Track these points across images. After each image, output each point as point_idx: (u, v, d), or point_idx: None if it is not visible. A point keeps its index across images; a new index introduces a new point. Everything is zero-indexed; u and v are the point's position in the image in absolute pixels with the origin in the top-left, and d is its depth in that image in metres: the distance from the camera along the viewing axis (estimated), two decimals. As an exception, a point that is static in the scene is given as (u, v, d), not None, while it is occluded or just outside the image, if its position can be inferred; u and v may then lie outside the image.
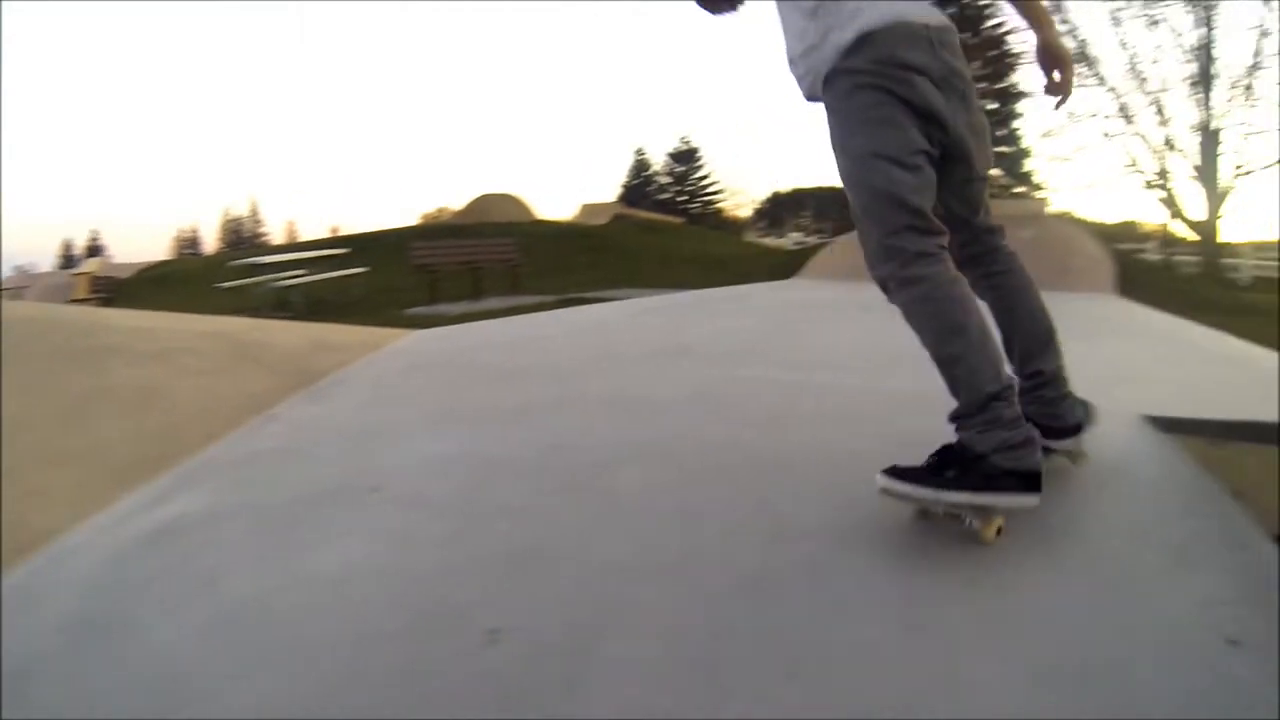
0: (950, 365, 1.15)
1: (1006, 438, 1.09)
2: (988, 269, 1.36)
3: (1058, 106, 1.38)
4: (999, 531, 1.15)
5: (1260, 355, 3.34)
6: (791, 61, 1.30)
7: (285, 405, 2.34)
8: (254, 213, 74.03)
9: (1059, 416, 1.34)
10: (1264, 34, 14.04)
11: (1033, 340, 1.35)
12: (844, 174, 1.23)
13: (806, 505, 1.41)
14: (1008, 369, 1.20)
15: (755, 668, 0.93)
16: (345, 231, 28.64)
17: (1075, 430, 1.37)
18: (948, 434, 1.21)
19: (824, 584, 1.12)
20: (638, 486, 1.55)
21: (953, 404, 1.18)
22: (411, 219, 48.30)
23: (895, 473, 1.12)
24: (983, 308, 1.24)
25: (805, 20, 1.22)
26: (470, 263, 8.52)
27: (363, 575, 1.23)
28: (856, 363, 2.92)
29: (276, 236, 68.67)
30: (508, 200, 20.96)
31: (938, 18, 1.22)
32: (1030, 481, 1.10)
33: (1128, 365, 2.92)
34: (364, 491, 1.60)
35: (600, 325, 4.39)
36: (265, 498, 1.61)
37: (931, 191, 1.20)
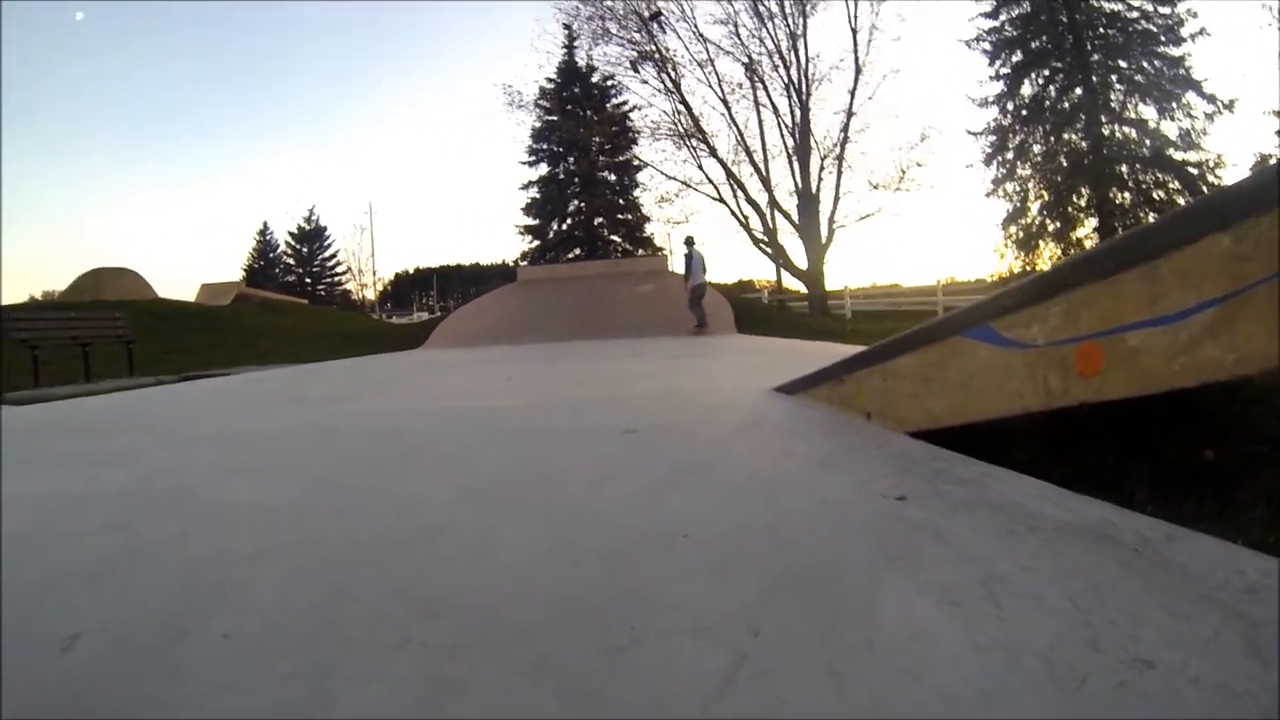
0: (700, 311, 10.38)
1: (705, 319, 10.29)
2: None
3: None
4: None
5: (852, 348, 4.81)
6: (689, 279, 10.61)
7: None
8: None
9: (707, 325, 10.37)
10: (851, 114, 17.79)
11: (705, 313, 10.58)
12: (699, 295, 10.54)
13: (427, 484, 1.83)
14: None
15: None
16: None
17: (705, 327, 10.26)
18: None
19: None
20: (247, 495, 1.77)
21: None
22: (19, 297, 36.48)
23: (693, 331, 10.10)
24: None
25: (693, 273, 10.54)
26: (77, 339, 7.01)
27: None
28: (454, 396, 3.83)
29: None
30: (124, 274, 18.71)
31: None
32: (705, 329, 10.19)
33: (751, 368, 4.55)
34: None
35: (215, 391, 4.92)
36: None
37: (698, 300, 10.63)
